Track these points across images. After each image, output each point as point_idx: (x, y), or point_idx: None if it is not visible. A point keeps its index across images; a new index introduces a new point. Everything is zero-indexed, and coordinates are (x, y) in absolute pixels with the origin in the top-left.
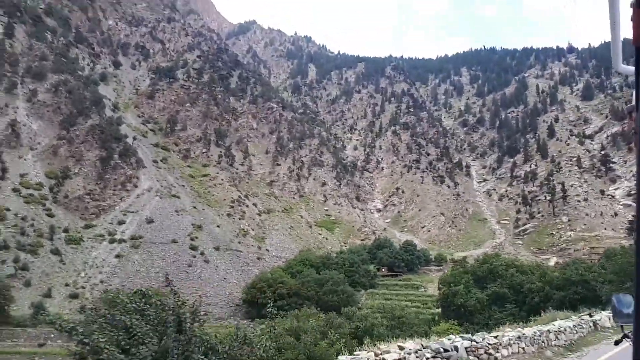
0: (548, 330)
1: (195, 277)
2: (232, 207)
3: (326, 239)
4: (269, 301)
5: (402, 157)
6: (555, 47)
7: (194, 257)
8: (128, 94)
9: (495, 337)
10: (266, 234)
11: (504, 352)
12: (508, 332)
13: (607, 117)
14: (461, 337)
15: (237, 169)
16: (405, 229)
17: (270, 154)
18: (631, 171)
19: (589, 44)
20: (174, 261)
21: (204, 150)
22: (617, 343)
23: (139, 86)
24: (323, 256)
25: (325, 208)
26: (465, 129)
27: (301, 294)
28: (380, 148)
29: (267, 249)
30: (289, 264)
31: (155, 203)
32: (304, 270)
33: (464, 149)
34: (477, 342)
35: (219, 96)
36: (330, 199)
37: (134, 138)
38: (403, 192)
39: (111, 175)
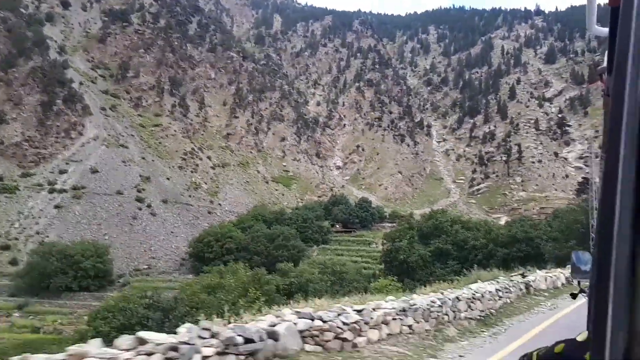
0: (457, 297)
1: (140, 230)
2: (185, 159)
3: (283, 194)
4: (216, 256)
5: (364, 114)
6: (523, 9)
7: (140, 209)
8: (77, 37)
9: (360, 311)
10: (220, 188)
11: (372, 334)
12: (387, 304)
13: (567, 81)
14: (297, 313)
15: (192, 120)
16: (364, 187)
17: (228, 106)
18: (585, 135)
19: (556, 7)
20: (118, 213)
21: (157, 100)
22: (574, 296)
23: (89, 29)
24: (277, 212)
25: (284, 164)
26: (429, 88)
27: (250, 248)
28: (343, 104)
29: (219, 204)
30: (241, 219)
31: (101, 152)
32: (254, 225)
33: (427, 108)
34: (324, 322)
35: (176, 43)
36: (289, 155)
37: (81, 83)
38: (363, 149)
39: (53, 122)
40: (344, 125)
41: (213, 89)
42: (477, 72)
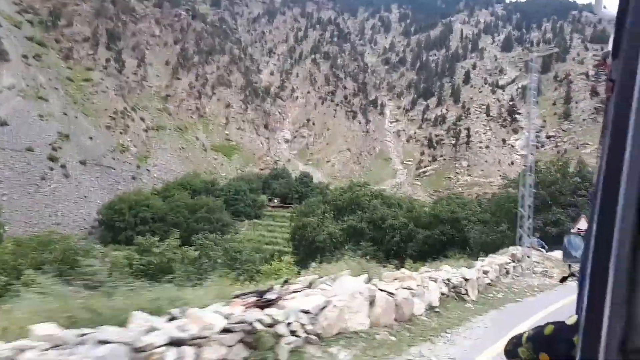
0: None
1: (47, 192)
2: (114, 119)
3: (222, 164)
4: (128, 226)
5: (318, 88)
6: None
7: (52, 169)
8: None
9: None
10: (150, 153)
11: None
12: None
13: (520, 69)
14: None
15: (128, 77)
16: (311, 162)
17: (171, 66)
18: (533, 123)
19: None
20: (24, 172)
21: (91, 52)
22: (563, 280)
23: None
24: (207, 181)
25: (226, 132)
26: (386, 67)
27: (168, 219)
28: (297, 76)
29: (147, 169)
30: (166, 187)
31: (15, 104)
32: (175, 194)
33: (382, 87)
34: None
35: None
36: (233, 123)
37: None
38: (314, 124)
39: None
40: (296, 97)
41: (156, 47)
42: (435, 54)
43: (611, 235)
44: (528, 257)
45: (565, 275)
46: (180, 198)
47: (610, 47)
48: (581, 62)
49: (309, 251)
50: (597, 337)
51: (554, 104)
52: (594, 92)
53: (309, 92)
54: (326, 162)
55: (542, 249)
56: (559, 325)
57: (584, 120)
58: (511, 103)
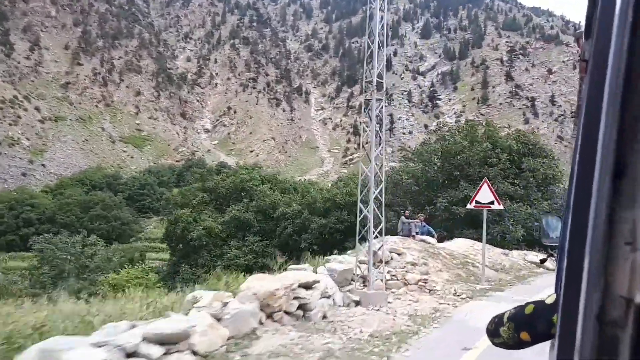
0: None
1: None
2: (1, 108)
3: (132, 157)
4: (8, 228)
5: (238, 74)
6: None
7: None
8: None
9: None
10: (47, 146)
11: None
12: None
13: (440, 56)
14: None
15: (19, 62)
16: (233, 152)
17: (70, 51)
18: (453, 108)
19: None
20: None
21: None
22: (542, 261)
23: None
24: (109, 175)
25: (137, 121)
26: (309, 54)
27: (57, 219)
28: (216, 62)
29: (42, 164)
30: (60, 183)
31: None
32: (66, 191)
33: (306, 74)
34: None
35: None
36: (145, 112)
37: None
38: (235, 112)
39: None
40: (216, 84)
41: (53, 29)
42: (357, 41)
43: (587, 212)
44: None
45: (544, 257)
46: (72, 195)
47: (584, 28)
48: (496, 48)
49: (185, 251)
50: (575, 310)
51: (472, 89)
52: (509, 77)
53: (229, 79)
54: (250, 151)
55: (429, 237)
56: (539, 305)
57: (500, 104)
58: (432, 89)
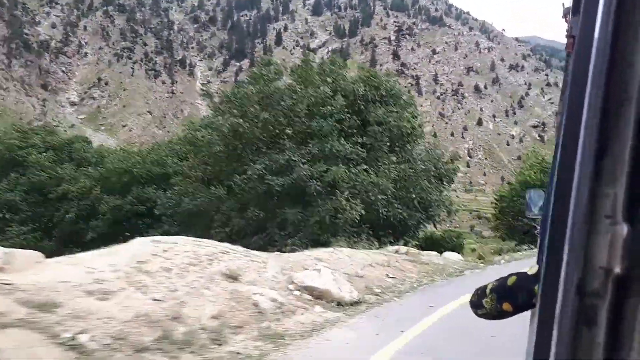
0: None
1: None
2: None
3: None
4: None
5: (112, 43)
6: None
7: None
8: None
9: None
10: None
11: None
12: None
13: (330, 33)
14: None
15: None
16: (103, 127)
17: None
18: None
19: None
20: None
21: None
22: (525, 233)
23: None
24: None
25: None
26: (195, 26)
27: None
28: (86, 29)
29: None
30: None
31: None
32: None
33: (192, 47)
34: None
35: None
36: None
37: None
38: (107, 84)
39: None
40: (85, 53)
41: None
42: (247, 14)
43: (570, 187)
44: None
45: (527, 229)
46: None
47: (571, 3)
48: (384, 27)
49: None
50: (555, 282)
51: (362, 68)
52: (396, 56)
53: (101, 49)
54: (122, 126)
55: None
56: (521, 276)
57: None
58: None
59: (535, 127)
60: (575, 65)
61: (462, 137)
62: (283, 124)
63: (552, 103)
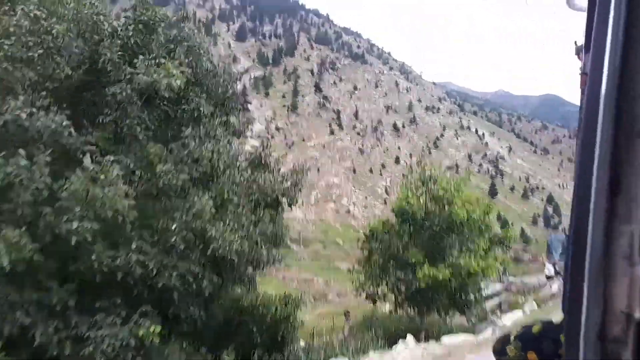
0: None
1: None
2: None
3: None
4: None
5: None
6: None
7: None
8: None
9: None
10: None
11: None
12: None
13: (254, 60)
14: None
15: None
16: None
17: None
18: (265, 115)
19: None
20: None
21: None
22: (548, 278)
23: None
24: None
25: None
26: None
27: None
28: None
29: None
30: None
31: None
32: None
33: None
34: None
35: None
36: None
37: None
38: None
39: None
40: None
41: None
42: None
43: (586, 229)
44: None
45: (550, 275)
46: None
47: (583, 41)
48: (307, 58)
49: None
50: (577, 328)
51: (284, 96)
52: (318, 88)
53: None
54: None
55: None
56: (547, 324)
57: (309, 113)
58: (244, 94)
59: (449, 168)
60: (587, 101)
61: (380, 175)
62: None
63: (465, 146)
